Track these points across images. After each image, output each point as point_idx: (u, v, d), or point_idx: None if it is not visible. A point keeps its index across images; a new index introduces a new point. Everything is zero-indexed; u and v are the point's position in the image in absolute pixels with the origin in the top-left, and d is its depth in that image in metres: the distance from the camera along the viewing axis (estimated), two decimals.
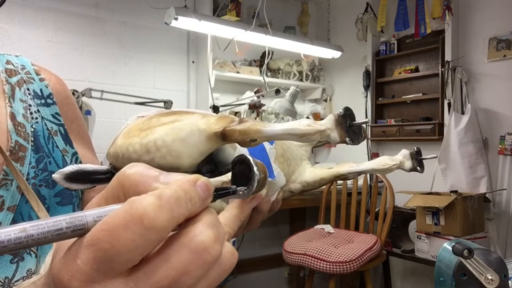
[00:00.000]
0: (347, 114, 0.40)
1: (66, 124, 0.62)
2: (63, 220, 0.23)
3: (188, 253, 0.24)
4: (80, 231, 0.23)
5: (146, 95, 2.69)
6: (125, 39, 3.02)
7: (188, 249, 0.24)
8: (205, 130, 0.39)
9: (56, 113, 0.61)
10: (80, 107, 2.37)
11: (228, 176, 0.33)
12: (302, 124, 0.39)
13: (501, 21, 2.71)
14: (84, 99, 2.36)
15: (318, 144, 0.61)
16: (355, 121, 0.41)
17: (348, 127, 0.40)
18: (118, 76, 2.98)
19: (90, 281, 0.22)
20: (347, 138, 0.40)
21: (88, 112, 2.41)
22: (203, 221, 0.25)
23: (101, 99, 2.37)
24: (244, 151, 0.45)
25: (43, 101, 0.60)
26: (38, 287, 0.27)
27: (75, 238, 0.24)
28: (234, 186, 0.31)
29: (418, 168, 0.51)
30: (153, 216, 0.23)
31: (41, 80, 0.62)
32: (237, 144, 0.43)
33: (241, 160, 0.32)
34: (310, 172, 0.53)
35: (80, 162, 0.61)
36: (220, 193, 0.29)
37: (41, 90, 0.61)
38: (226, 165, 0.40)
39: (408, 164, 0.51)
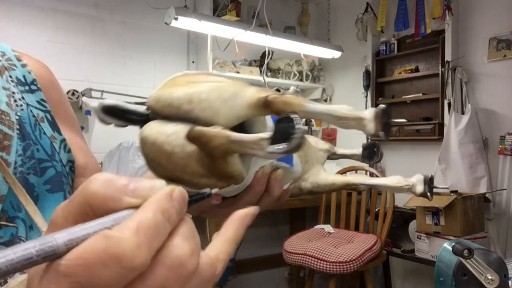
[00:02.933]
0: (387, 111, 0.41)
1: (53, 108, 0.60)
2: (33, 247, 0.22)
3: (163, 269, 0.23)
4: (51, 257, 0.23)
5: (146, 95, 2.67)
6: (125, 39, 3.02)
7: (164, 265, 0.23)
8: (249, 96, 0.40)
9: (42, 100, 0.59)
10: (80, 107, 2.37)
11: (266, 134, 0.34)
12: (344, 108, 0.40)
13: (501, 21, 2.71)
14: (84, 99, 2.36)
15: (333, 157, 0.62)
16: (391, 119, 0.43)
17: (385, 124, 0.41)
18: (118, 76, 2.98)
19: None
20: (381, 132, 0.41)
21: (88, 112, 2.42)
22: (178, 234, 0.25)
23: (101, 99, 2.38)
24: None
25: (27, 87, 0.58)
26: None
27: None
28: (208, 190, 0.31)
29: (428, 194, 0.52)
30: (132, 256, 0.22)
31: (23, 66, 0.60)
32: (267, 123, 0.45)
33: (286, 118, 0.33)
34: (323, 175, 0.54)
35: (69, 149, 0.60)
36: (193, 199, 0.28)
37: (24, 76, 0.59)
38: None
39: (420, 188, 0.51)
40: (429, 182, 0.52)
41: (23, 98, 0.57)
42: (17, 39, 2.59)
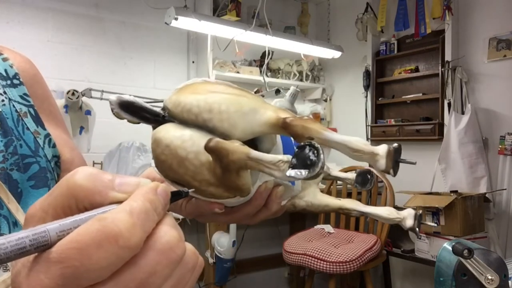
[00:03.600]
0: (399, 150, 0.43)
1: (37, 103, 0.59)
2: (26, 237, 0.22)
3: (154, 254, 0.24)
4: (43, 247, 0.23)
5: (146, 95, 2.69)
6: (125, 39, 3.02)
7: (155, 250, 0.24)
8: (269, 114, 0.41)
9: (25, 94, 0.58)
10: (80, 107, 2.37)
11: (285, 156, 0.35)
12: (359, 141, 0.42)
13: (501, 21, 2.71)
14: (84, 99, 2.36)
15: (328, 178, 0.64)
16: (401, 158, 0.44)
17: (395, 162, 0.42)
18: (118, 76, 2.98)
19: None
20: (392, 170, 0.42)
21: (88, 112, 2.41)
22: (165, 223, 0.25)
23: (101, 99, 2.37)
24: (279, 149, 0.47)
25: (9, 82, 0.57)
26: None
27: None
28: (186, 189, 0.31)
29: (417, 229, 0.53)
30: (128, 235, 0.22)
31: (4, 60, 0.58)
32: (277, 141, 0.45)
33: (310, 146, 0.33)
34: (319, 196, 0.55)
35: (54, 144, 0.59)
36: (173, 198, 0.29)
37: (5, 70, 0.58)
38: None
39: (410, 222, 0.53)
40: (419, 218, 0.53)
41: (5, 92, 0.56)
42: (17, 39, 2.59)
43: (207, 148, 0.36)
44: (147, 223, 0.24)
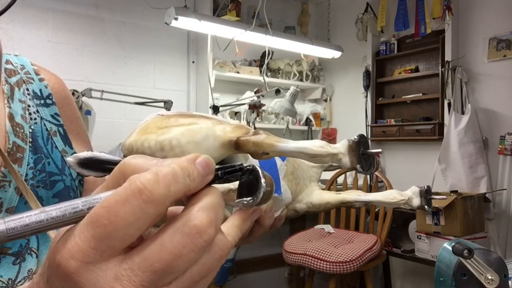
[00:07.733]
0: (361, 141, 0.41)
1: (65, 124, 0.62)
2: (79, 200, 0.24)
3: (181, 236, 0.24)
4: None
5: (146, 95, 2.69)
6: (125, 39, 3.02)
7: (182, 232, 0.24)
8: (220, 137, 0.39)
9: (56, 114, 0.61)
10: (80, 107, 2.37)
11: (235, 184, 0.33)
12: (316, 145, 0.39)
13: (501, 21, 2.71)
14: (84, 99, 2.36)
15: (330, 168, 0.62)
16: (368, 149, 0.42)
17: (361, 155, 0.41)
18: (118, 76, 2.98)
19: (87, 261, 0.23)
20: (358, 165, 0.40)
21: (88, 112, 2.41)
22: (200, 204, 0.25)
23: (101, 99, 2.37)
24: (255, 163, 0.45)
25: (42, 101, 0.60)
26: (34, 280, 0.26)
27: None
28: (241, 163, 0.31)
29: (425, 207, 0.51)
30: (151, 189, 0.23)
31: (41, 80, 0.61)
32: (249, 157, 0.44)
33: (250, 170, 0.32)
34: (317, 195, 0.53)
35: None
36: (227, 171, 0.29)
37: (40, 90, 0.61)
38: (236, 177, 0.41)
39: (416, 201, 0.51)
40: (425, 194, 0.51)
41: (37, 111, 0.59)
42: (17, 39, 2.59)
43: None
44: (174, 184, 0.24)
